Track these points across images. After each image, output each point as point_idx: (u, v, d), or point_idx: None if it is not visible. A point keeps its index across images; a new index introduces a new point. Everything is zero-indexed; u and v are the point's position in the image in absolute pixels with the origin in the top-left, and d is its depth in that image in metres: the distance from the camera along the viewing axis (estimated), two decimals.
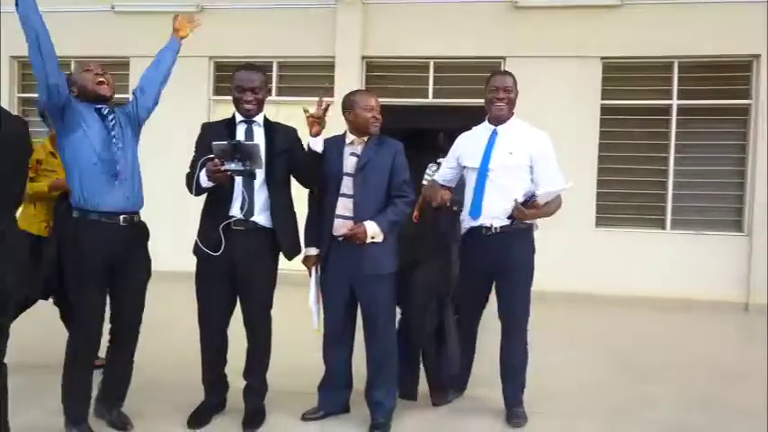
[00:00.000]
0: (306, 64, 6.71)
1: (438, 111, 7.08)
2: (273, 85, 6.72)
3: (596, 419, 2.88)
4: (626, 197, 6.25)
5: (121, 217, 2.37)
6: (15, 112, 7.25)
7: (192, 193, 2.53)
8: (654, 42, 6.04)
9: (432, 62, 6.46)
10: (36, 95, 7.08)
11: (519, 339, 2.74)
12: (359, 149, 2.63)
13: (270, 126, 2.65)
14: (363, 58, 6.46)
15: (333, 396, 2.73)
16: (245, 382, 2.67)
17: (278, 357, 2.73)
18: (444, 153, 9.07)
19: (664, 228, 6.16)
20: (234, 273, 2.50)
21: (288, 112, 6.67)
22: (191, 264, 2.76)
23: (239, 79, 2.54)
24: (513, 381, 2.75)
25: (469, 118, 7.69)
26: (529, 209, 2.56)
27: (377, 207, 2.58)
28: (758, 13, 5.81)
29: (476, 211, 2.70)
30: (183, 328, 3.27)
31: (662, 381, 3.56)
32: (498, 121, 2.79)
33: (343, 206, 2.57)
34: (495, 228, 2.67)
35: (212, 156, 2.33)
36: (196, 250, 2.54)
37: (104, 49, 6.92)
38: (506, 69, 2.84)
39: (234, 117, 2.61)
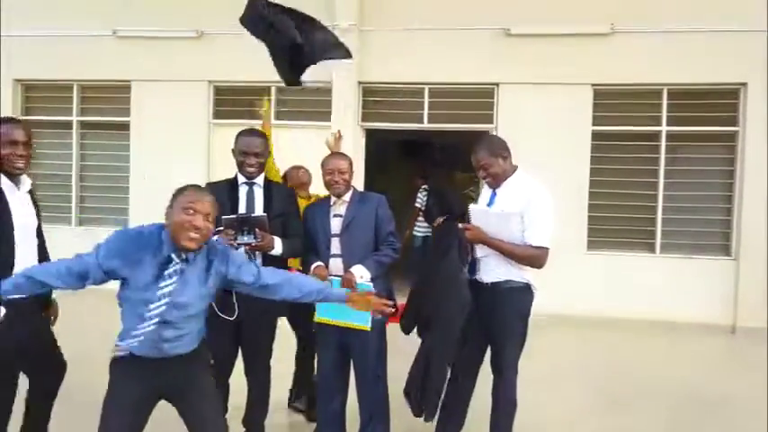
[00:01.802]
0: (303, 89, 6.82)
1: (433, 136, 7.24)
2: (271, 109, 6.86)
3: None
4: (617, 221, 6.38)
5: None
6: None
7: None
8: (643, 70, 6.17)
9: (427, 88, 6.59)
10: (40, 117, 7.23)
11: (506, 396, 2.76)
12: (342, 210, 2.74)
13: (269, 187, 2.77)
14: (360, 83, 6.59)
15: None
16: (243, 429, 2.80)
17: (275, 393, 2.87)
18: (438, 164, 9.24)
19: (653, 251, 6.29)
20: (239, 328, 2.63)
21: (286, 136, 6.85)
22: None
23: (243, 144, 2.68)
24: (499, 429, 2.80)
25: (463, 143, 7.89)
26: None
27: (367, 257, 2.70)
28: (745, 42, 5.95)
29: (473, 267, 2.77)
30: None
31: (641, 411, 3.71)
32: (494, 186, 2.79)
33: (335, 266, 2.69)
34: (487, 283, 2.71)
35: (221, 228, 2.45)
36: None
37: (106, 72, 7.06)
38: (492, 134, 2.71)
39: (236, 178, 2.75)
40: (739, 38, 5.97)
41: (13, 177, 2.36)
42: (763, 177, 5.94)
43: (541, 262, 2.67)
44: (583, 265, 6.24)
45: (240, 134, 2.74)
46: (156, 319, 1.91)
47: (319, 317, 2.71)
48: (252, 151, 2.66)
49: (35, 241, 2.43)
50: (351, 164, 2.79)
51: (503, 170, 2.72)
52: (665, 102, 6.25)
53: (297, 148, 6.70)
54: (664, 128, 6.25)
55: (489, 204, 2.78)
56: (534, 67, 6.29)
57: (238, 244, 2.45)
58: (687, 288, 6.09)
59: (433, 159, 10.50)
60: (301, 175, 3.83)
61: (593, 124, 6.31)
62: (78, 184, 7.26)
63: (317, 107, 6.75)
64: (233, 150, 2.74)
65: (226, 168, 6.79)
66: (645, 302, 6.10)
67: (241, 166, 2.70)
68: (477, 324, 2.74)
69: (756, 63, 5.95)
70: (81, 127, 7.28)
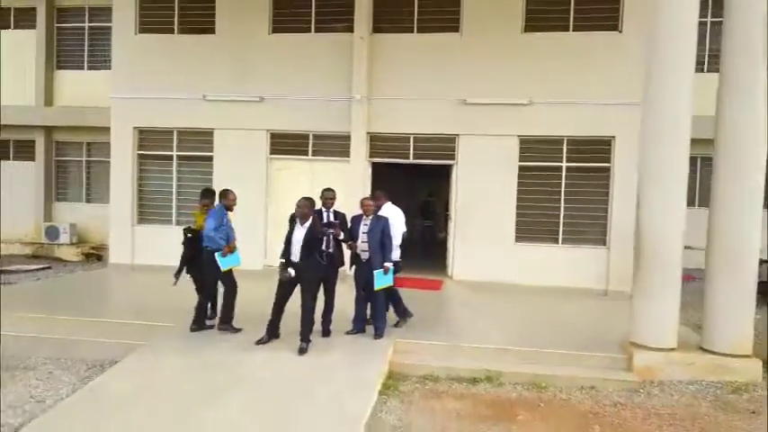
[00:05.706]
0: (331, 135, 10.25)
1: (415, 166, 10.65)
2: (309, 149, 10.30)
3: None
4: (534, 223, 9.83)
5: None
6: (136, 165, 10.77)
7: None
8: (551, 126, 9.61)
9: (412, 136, 10.04)
10: (149, 152, 10.53)
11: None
12: (368, 221, 6.14)
13: (336, 212, 6.21)
14: (368, 133, 10.02)
15: (359, 324, 6.29)
16: (321, 319, 6.25)
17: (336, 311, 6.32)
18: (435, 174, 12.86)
19: (557, 243, 9.76)
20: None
21: (319, 167, 10.29)
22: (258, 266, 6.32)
23: (326, 193, 6.12)
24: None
25: (435, 171, 11.38)
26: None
27: (377, 245, 6.08)
28: (615, 110, 9.35)
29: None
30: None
31: (524, 332, 7.15)
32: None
33: (363, 246, 6.11)
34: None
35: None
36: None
37: (197, 123, 10.48)
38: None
39: (321, 209, 6.17)
40: (611, 108, 9.38)
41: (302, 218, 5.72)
42: (626, 196, 9.35)
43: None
44: (512, 251, 9.72)
45: (324, 190, 6.16)
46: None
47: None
48: (329, 197, 6.10)
49: (299, 245, 5.62)
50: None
51: (378, 207, 6.30)
52: (565, 147, 9.69)
53: (327, 176, 10.16)
54: (564, 164, 9.70)
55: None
56: (481, 124, 9.73)
57: (327, 232, 5.88)
58: (578, 266, 9.55)
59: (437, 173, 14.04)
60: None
61: (520, 161, 9.76)
62: (176, 198, 10.68)
63: (340, 148, 10.18)
64: (320, 196, 6.16)
65: (278, 189, 10.49)
66: (550, 276, 9.56)
67: (325, 203, 6.13)
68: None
69: (621, 123, 9.36)
70: (178, 159, 10.71)
